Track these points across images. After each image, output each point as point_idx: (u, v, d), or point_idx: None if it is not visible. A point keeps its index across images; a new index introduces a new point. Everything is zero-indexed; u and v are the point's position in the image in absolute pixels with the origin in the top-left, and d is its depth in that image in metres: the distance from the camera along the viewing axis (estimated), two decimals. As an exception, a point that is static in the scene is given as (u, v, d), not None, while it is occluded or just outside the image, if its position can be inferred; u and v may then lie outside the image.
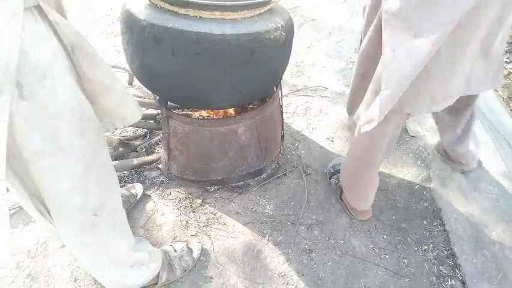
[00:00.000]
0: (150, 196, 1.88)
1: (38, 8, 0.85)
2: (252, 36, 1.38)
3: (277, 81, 1.67)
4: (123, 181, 1.96)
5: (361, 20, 1.52)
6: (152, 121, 2.24)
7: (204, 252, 1.65)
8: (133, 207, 1.82)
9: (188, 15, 1.35)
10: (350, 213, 1.78)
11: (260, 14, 1.46)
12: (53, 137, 0.95)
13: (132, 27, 1.41)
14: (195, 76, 1.43)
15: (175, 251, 1.59)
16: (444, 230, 1.71)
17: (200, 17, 1.35)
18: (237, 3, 1.36)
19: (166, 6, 1.37)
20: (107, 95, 1.09)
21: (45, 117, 0.91)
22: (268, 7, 1.48)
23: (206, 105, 1.73)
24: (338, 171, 1.90)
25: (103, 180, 1.14)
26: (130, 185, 1.90)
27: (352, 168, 1.63)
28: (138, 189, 1.88)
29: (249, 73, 1.49)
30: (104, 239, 1.22)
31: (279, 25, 1.47)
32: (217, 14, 1.35)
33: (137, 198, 1.84)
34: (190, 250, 1.62)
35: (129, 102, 1.18)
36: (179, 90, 1.52)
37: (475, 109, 1.72)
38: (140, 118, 1.22)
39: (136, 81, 2.60)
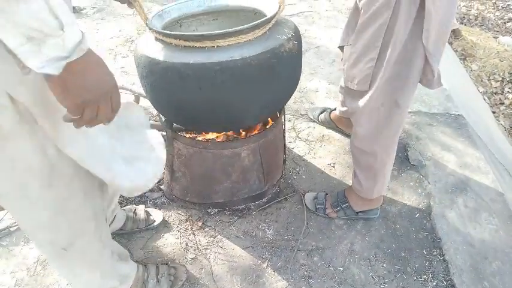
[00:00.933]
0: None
1: None
2: (270, 53, 1.43)
3: (296, 87, 1.74)
4: (124, 202, 1.97)
5: None
6: (156, 142, 2.26)
7: (203, 275, 1.65)
8: (142, 231, 1.82)
9: (205, 47, 1.40)
10: (357, 212, 1.85)
11: (269, 29, 1.51)
12: (20, 186, 0.95)
13: (154, 70, 1.45)
14: (224, 102, 1.48)
15: (157, 273, 1.57)
16: (444, 260, 1.71)
17: (217, 46, 1.39)
18: (248, 25, 1.41)
19: (182, 43, 1.41)
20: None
21: (11, 169, 0.91)
22: (274, 21, 1.53)
23: (234, 126, 1.80)
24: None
25: (74, 223, 1.13)
26: (152, 209, 1.88)
27: (380, 157, 1.65)
28: (156, 216, 1.85)
29: (272, 87, 1.55)
30: (73, 269, 1.25)
31: (290, 35, 1.53)
32: (233, 40, 1.40)
33: (151, 225, 1.82)
34: (172, 277, 1.59)
35: (124, 186, 1.12)
36: (208, 118, 1.57)
37: None
38: (150, 187, 1.18)
39: (142, 102, 2.64)
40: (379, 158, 1.64)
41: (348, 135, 2.39)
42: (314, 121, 2.51)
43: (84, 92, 0.70)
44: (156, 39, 1.51)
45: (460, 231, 1.83)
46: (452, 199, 1.98)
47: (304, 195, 1.98)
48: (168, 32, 1.42)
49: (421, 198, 1.99)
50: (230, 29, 1.38)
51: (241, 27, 1.39)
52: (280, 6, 1.55)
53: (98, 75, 0.72)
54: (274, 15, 1.52)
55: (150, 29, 1.48)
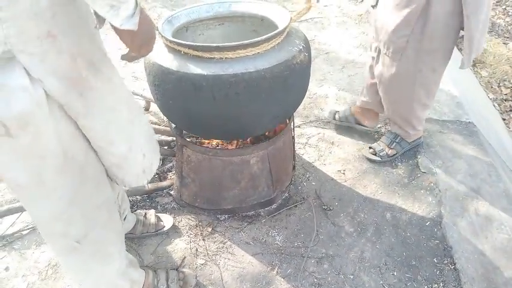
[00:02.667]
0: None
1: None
2: (283, 65, 1.47)
3: (305, 95, 1.78)
4: (135, 206, 1.98)
5: None
6: (166, 147, 2.28)
7: (213, 281, 1.65)
8: (152, 235, 1.82)
9: (222, 58, 1.42)
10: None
11: (282, 40, 1.53)
12: (35, 173, 1.01)
13: (167, 80, 1.46)
14: (237, 113, 1.51)
15: (167, 279, 1.58)
16: (455, 268, 1.70)
17: (237, 57, 1.42)
18: (262, 37, 1.42)
19: (198, 53, 1.43)
20: (104, 155, 1.17)
21: (28, 155, 0.97)
22: (286, 32, 1.54)
23: (245, 135, 1.85)
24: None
25: (89, 213, 1.18)
26: (162, 214, 1.89)
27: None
28: (166, 222, 1.85)
29: (284, 98, 1.58)
30: (85, 264, 1.27)
31: (301, 47, 1.55)
32: (248, 51, 1.43)
33: (161, 230, 1.82)
34: (182, 283, 1.60)
35: (131, 167, 1.23)
36: (220, 127, 1.60)
37: None
38: (145, 183, 1.30)
39: (152, 108, 2.66)
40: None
41: (365, 133, 2.42)
42: (330, 121, 2.55)
43: (143, 36, 0.97)
44: (168, 47, 1.52)
45: (471, 240, 1.82)
46: (463, 207, 1.97)
47: (313, 203, 1.98)
48: (186, 42, 1.43)
49: (431, 206, 1.98)
50: (246, 41, 1.40)
51: (256, 39, 1.41)
52: (291, 18, 1.57)
53: (149, 25, 0.97)
54: (287, 27, 1.53)
55: (166, 39, 1.49)
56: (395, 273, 1.68)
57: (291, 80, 1.52)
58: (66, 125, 1.03)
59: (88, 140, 1.12)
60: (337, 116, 2.50)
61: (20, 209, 1.87)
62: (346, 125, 2.48)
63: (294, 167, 2.14)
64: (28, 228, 1.86)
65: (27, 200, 1.09)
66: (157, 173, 2.16)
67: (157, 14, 4.07)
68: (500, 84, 4.56)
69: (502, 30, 5.75)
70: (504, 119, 3.95)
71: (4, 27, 0.80)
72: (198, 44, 1.43)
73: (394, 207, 1.97)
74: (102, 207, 1.22)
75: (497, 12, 6.15)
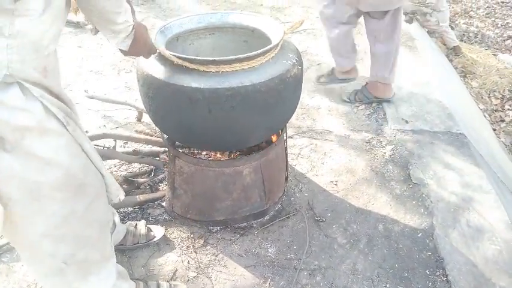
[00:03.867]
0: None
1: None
2: (277, 79, 1.48)
3: (297, 107, 1.80)
4: (126, 218, 1.96)
5: None
6: (158, 158, 2.27)
7: (204, 294, 1.64)
8: (142, 247, 1.80)
9: (218, 71, 1.43)
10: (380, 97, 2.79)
11: (276, 53, 1.55)
12: (31, 188, 1.02)
13: (162, 92, 1.47)
14: (232, 125, 1.52)
15: None
16: (447, 280, 1.70)
17: (232, 70, 1.43)
18: (258, 51, 1.44)
19: (193, 66, 1.44)
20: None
21: (25, 170, 0.99)
22: (279, 46, 1.56)
23: (238, 146, 1.86)
24: None
25: (80, 232, 1.18)
26: (153, 226, 1.87)
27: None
28: (157, 232, 1.82)
29: (278, 110, 1.60)
30: (71, 286, 1.24)
31: (294, 60, 1.57)
32: (244, 65, 1.44)
33: (151, 241, 1.80)
34: None
35: (112, 184, 1.26)
36: (215, 139, 1.61)
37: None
38: (119, 201, 1.31)
39: (144, 118, 2.65)
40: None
41: (357, 144, 2.41)
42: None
43: (136, 51, 1.28)
44: (162, 59, 1.52)
45: (463, 252, 1.82)
46: (454, 218, 1.98)
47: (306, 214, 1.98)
48: (182, 55, 1.44)
49: (423, 217, 1.98)
50: (242, 55, 1.41)
51: (252, 53, 1.42)
52: (284, 32, 1.58)
53: (144, 39, 1.28)
54: (281, 40, 1.55)
55: (161, 52, 1.49)
56: (387, 285, 1.68)
57: (284, 93, 1.53)
58: (68, 142, 1.06)
59: (89, 158, 1.14)
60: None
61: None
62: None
63: (286, 178, 2.14)
64: (17, 241, 1.83)
65: (18, 217, 1.07)
66: (149, 184, 2.14)
67: (151, 24, 4.08)
68: (491, 95, 4.62)
69: (491, 41, 5.84)
70: (494, 129, 3.99)
71: (9, 53, 0.89)
72: (194, 57, 1.43)
73: (386, 219, 1.98)
74: (94, 225, 1.22)
75: (487, 24, 6.25)
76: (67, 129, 1.05)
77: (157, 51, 1.42)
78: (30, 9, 0.89)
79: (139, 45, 1.25)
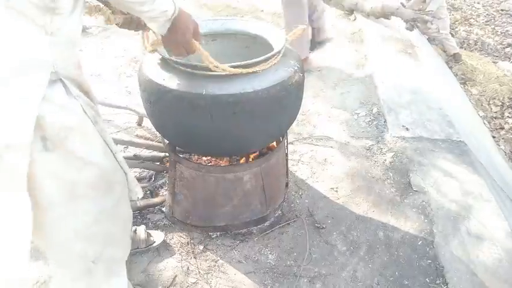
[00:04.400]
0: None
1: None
2: (279, 86, 1.49)
3: (298, 113, 1.81)
4: (126, 223, 1.96)
5: None
6: (158, 163, 2.27)
7: (204, 301, 1.63)
8: (142, 252, 1.80)
9: (220, 77, 1.43)
10: None
11: (278, 60, 1.55)
12: (69, 188, 1.03)
13: (163, 97, 1.47)
14: (233, 131, 1.53)
15: None
16: (447, 289, 1.70)
17: (234, 77, 1.44)
18: (261, 58, 1.44)
19: (195, 72, 1.44)
20: None
21: (66, 170, 1.01)
22: (281, 53, 1.56)
23: (239, 152, 1.87)
24: None
25: (108, 229, 1.20)
26: (153, 231, 1.86)
27: None
28: (156, 238, 1.82)
29: (279, 117, 1.61)
30: (98, 286, 1.26)
31: (296, 68, 1.57)
32: (246, 71, 1.44)
33: (151, 246, 1.79)
34: None
35: (132, 182, 1.28)
36: (216, 145, 1.61)
37: None
38: (137, 199, 1.35)
39: (145, 123, 2.65)
40: None
41: (358, 151, 2.41)
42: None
43: (175, 41, 1.27)
44: (164, 64, 1.52)
45: (463, 260, 1.82)
46: (455, 226, 1.98)
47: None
48: (185, 61, 1.44)
49: (423, 225, 1.98)
50: (244, 62, 1.41)
51: (255, 60, 1.43)
52: (286, 39, 1.59)
53: (184, 28, 1.23)
54: (283, 47, 1.55)
55: (164, 58, 1.49)
56: (387, 293, 1.68)
57: (286, 100, 1.53)
58: (99, 141, 1.10)
59: (114, 155, 1.16)
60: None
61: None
62: None
63: (287, 184, 2.14)
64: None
65: (53, 219, 1.07)
66: (149, 190, 2.14)
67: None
68: (490, 102, 4.63)
69: (491, 49, 5.87)
70: (494, 137, 4.00)
71: (52, 51, 0.92)
72: (196, 63, 1.43)
73: (386, 226, 1.97)
74: (119, 222, 1.25)
75: (487, 31, 6.27)
76: (96, 128, 1.07)
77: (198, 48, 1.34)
78: (63, 7, 0.92)
79: (177, 33, 1.23)
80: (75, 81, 1.01)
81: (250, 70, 1.44)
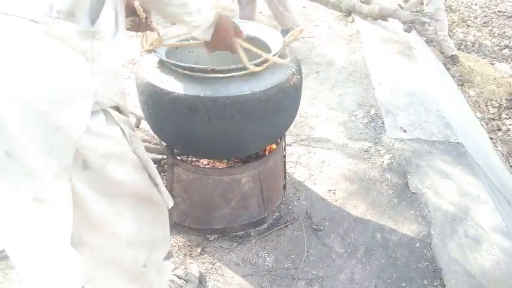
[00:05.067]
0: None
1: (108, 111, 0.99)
2: (277, 88, 1.48)
3: (296, 115, 1.80)
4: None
5: None
6: (156, 165, 2.26)
7: (201, 304, 1.63)
8: None
9: (218, 80, 1.43)
10: None
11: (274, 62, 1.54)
12: (114, 202, 1.07)
13: (161, 100, 1.47)
14: (231, 133, 1.52)
15: (179, 278, 1.62)
16: (445, 291, 1.70)
17: (232, 79, 1.43)
18: (257, 60, 1.44)
19: (193, 74, 1.44)
20: None
21: (108, 186, 1.03)
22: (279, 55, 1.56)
23: (237, 155, 1.86)
24: None
25: (152, 234, 1.25)
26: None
27: None
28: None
29: (277, 119, 1.60)
30: (153, 286, 1.33)
31: (294, 70, 1.57)
32: (242, 73, 1.44)
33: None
34: (190, 274, 1.64)
35: (164, 192, 1.28)
36: (214, 147, 1.61)
37: None
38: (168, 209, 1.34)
39: (143, 125, 2.64)
40: None
41: (356, 153, 2.41)
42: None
43: (218, 44, 1.32)
44: (162, 67, 1.52)
45: (460, 262, 1.82)
46: (452, 228, 1.98)
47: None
48: (182, 64, 1.44)
49: (421, 227, 1.98)
50: (241, 64, 1.40)
51: (252, 62, 1.42)
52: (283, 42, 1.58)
53: (225, 32, 1.28)
54: (281, 49, 1.55)
55: (162, 60, 1.49)
56: (385, 296, 1.68)
57: (284, 102, 1.53)
58: (135, 161, 1.10)
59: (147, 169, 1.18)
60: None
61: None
62: None
63: (284, 186, 2.14)
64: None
65: (105, 234, 1.09)
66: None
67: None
68: (488, 104, 4.64)
69: (488, 50, 5.88)
70: (491, 138, 4.00)
71: (94, 79, 0.89)
72: (193, 65, 1.43)
73: (384, 228, 1.97)
74: (160, 227, 1.30)
75: (484, 33, 6.29)
76: (131, 147, 1.08)
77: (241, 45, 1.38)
78: (104, 30, 0.89)
79: (220, 37, 1.27)
80: (116, 108, 1.00)
81: (246, 73, 1.43)
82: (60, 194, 0.91)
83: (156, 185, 1.20)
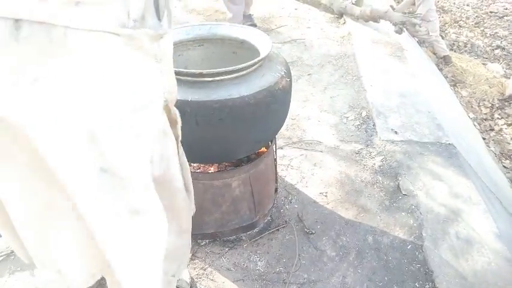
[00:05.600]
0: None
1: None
2: (266, 91, 1.47)
3: (286, 118, 1.78)
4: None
5: None
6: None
7: (192, 310, 1.62)
8: None
9: (206, 83, 1.43)
10: None
11: (263, 65, 1.55)
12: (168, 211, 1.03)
13: None
14: (220, 137, 1.51)
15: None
16: (437, 293, 1.69)
17: (220, 83, 1.43)
18: (245, 64, 1.43)
19: (180, 78, 1.43)
20: None
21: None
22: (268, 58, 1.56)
23: (226, 159, 1.82)
24: None
25: (183, 246, 1.24)
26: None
27: None
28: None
29: (267, 123, 1.59)
30: None
31: (283, 73, 1.56)
32: (232, 76, 1.44)
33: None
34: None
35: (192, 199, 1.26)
36: (202, 151, 1.60)
37: None
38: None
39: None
40: None
41: (347, 155, 2.41)
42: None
43: None
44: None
45: (452, 264, 1.82)
46: (444, 230, 1.98)
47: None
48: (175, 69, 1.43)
49: (413, 229, 1.98)
50: (230, 68, 1.41)
51: (240, 65, 1.42)
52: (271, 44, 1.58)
53: None
54: (270, 53, 1.55)
55: None
56: (377, 299, 1.67)
57: (273, 106, 1.53)
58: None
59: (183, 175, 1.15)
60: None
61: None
62: None
63: (276, 190, 2.13)
64: (1, 256, 1.80)
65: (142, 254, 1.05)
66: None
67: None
68: (480, 104, 4.66)
69: (480, 51, 5.91)
70: (484, 138, 4.02)
71: (163, 80, 0.87)
72: (182, 69, 1.42)
73: (375, 230, 1.97)
74: (187, 238, 1.27)
75: (476, 33, 6.33)
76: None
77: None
78: (165, 29, 0.87)
79: None
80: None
81: (235, 76, 1.43)
82: (154, 205, 0.90)
83: (188, 192, 1.18)
